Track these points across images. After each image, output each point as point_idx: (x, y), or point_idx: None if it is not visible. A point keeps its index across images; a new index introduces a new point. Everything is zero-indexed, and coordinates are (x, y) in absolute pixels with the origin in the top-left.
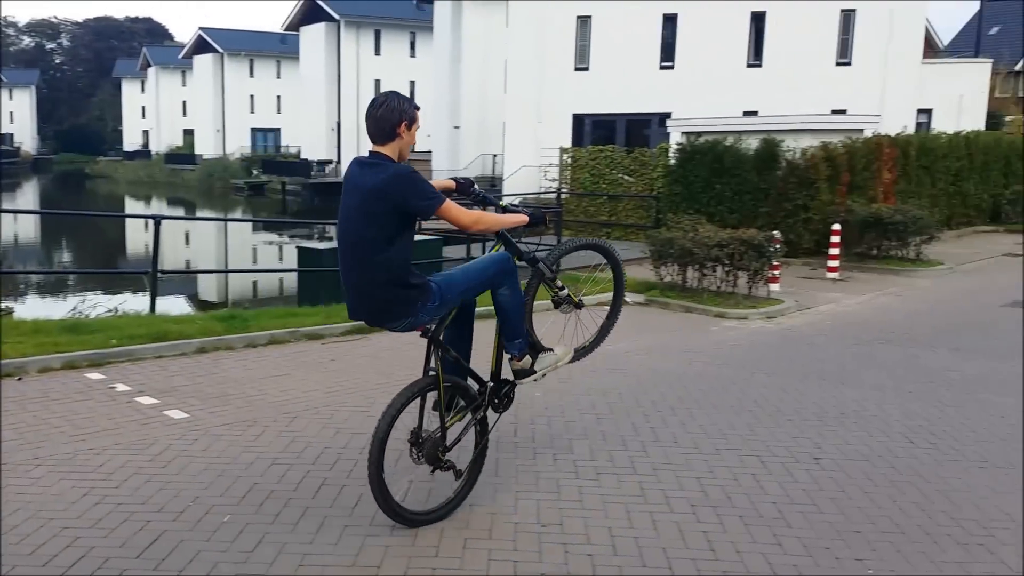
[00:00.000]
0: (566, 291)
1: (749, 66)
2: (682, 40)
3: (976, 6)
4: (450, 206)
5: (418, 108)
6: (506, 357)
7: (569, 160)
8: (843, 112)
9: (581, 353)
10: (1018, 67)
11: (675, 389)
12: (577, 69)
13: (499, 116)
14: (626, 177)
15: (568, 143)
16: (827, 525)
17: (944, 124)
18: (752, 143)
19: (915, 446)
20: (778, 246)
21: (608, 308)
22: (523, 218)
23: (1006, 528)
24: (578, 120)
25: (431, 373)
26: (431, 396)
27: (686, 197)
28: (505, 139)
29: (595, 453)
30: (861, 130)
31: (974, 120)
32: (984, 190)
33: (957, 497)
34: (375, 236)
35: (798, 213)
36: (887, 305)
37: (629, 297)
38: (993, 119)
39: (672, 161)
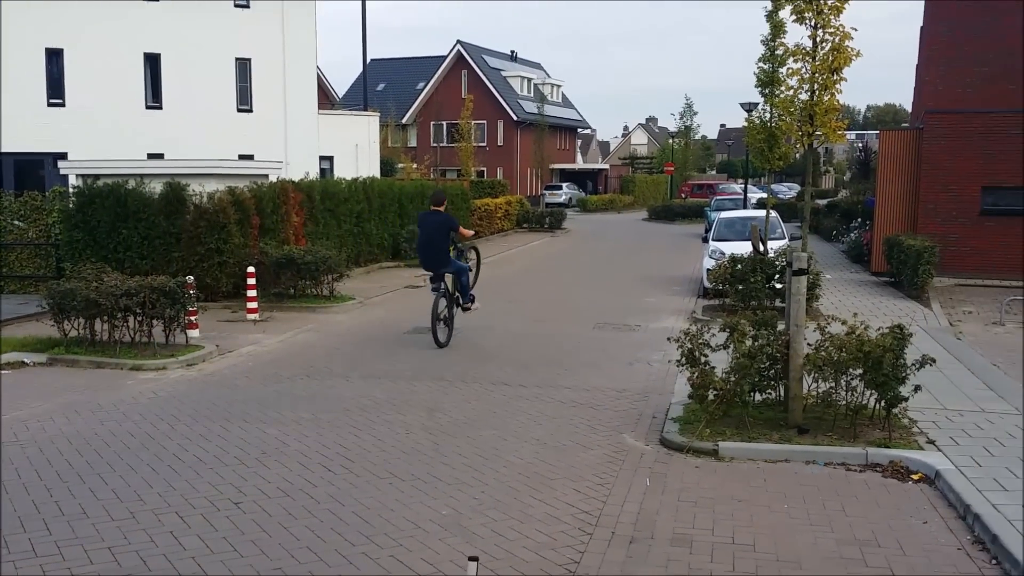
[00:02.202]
0: (470, 263)
1: (149, 107)
2: (73, 77)
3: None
4: (460, 228)
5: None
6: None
7: None
8: (251, 157)
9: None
10: (404, 120)
11: (85, 454)
12: None
13: None
14: (17, 223)
15: None
16: (249, 568)
17: (344, 170)
18: (157, 187)
19: (333, 473)
20: (193, 291)
21: (473, 269)
22: (471, 231)
23: (411, 536)
24: None
25: (443, 289)
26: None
27: (90, 244)
28: None
29: None
30: (266, 175)
31: (370, 167)
32: (384, 230)
33: (369, 515)
34: (441, 239)
35: (212, 257)
36: (307, 341)
37: (27, 358)
38: (387, 166)
39: (71, 205)
